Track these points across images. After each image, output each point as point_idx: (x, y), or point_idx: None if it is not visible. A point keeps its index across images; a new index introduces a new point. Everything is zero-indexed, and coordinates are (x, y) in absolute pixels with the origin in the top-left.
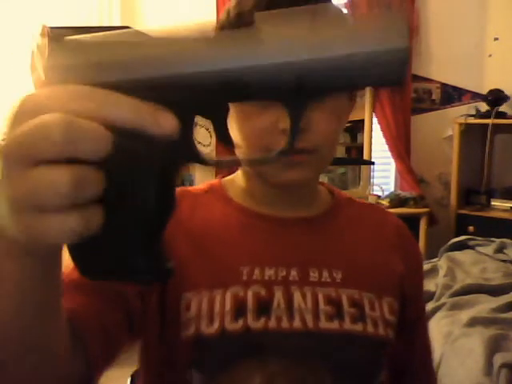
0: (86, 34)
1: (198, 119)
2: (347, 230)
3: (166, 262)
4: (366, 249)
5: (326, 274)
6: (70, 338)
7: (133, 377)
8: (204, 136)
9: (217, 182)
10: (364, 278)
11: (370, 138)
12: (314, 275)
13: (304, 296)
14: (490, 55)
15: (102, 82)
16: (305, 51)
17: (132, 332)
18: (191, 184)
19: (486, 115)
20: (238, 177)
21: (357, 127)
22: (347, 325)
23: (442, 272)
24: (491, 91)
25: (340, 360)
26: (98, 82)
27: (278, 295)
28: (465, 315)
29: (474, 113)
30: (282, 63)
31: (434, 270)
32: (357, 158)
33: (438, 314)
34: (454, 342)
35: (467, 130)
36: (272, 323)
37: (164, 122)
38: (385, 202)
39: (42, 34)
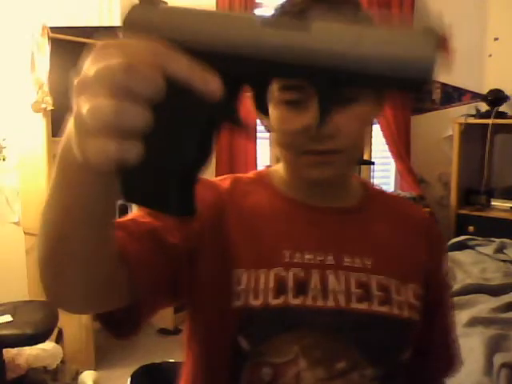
0: (86, 33)
1: None
2: (378, 221)
3: (194, 204)
4: (394, 239)
5: (358, 260)
6: (119, 263)
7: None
8: None
9: (264, 171)
10: (391, 266)
11: (370, 138)
12: (347, 261)
13: (338, 279)
14: (490, 55)
15: (171, 39)
16: (346, 44)
17: (176, 294)
18: None
19: (486, 115)
20: (280, 168)
21: None
22: (375, 306)
23: None
24: (491, 91)
25: (367, 337)
26: (167, 38)
27: (315, 277)
28: (465, 315)
29: (474, 113)
30: (325, 49)
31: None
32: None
33: None
34: None
35: (467, 130)
36: (309, 301)
37: (211, 83)
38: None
39: (42, 34)
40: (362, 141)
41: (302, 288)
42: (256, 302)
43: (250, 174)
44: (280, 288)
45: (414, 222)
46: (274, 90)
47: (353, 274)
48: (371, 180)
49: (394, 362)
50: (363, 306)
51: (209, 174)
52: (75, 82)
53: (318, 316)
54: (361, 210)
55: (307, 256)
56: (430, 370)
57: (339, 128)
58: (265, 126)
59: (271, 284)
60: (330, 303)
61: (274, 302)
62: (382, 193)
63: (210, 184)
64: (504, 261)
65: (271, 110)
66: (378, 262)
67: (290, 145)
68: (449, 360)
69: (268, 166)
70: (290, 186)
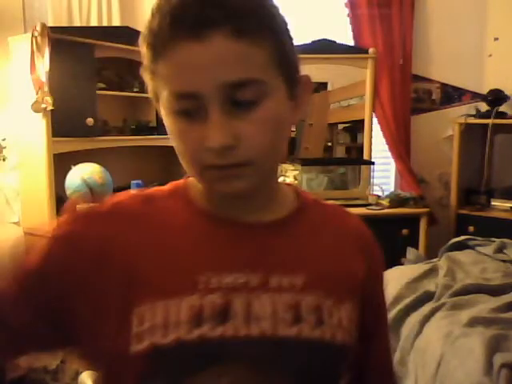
0: (86, 33)
1: None
2: (310, 234)
3: None
4: (328, 253)
5: (286, 279)
6: None
7: None
8: None
9: (182, 182)
10: (324, 284)
11: (370, 137)
12: (273, 281)
13: (263, 303)
14: (490, 55)
15: None
16: None
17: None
18: None
19: (486, 115)
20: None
21: (357, 127)
22: (305, 331)
23: (442, 272)
24: (491, 91)
25: (299, 366)
26: None
27: (236, 302)
28: (465, 315)
29: (474, 113)
30: None
31: (433, 270)
32: (357, 158)
33: (438, 314)
34: (454, 342)
35: (467, 130)
36: (229, 331)
37: None
38: (385, 202)
39: (42, 34)
40: (273, 147)
41: (221, 317)
42: (165, 340)
43: (167, 187)
44: (194, 320)
45: (349, 233)
46: (167, 97)
47: (280, 295)
48: (371, 180)
49: None
50: (293, 331)
51: None
52: None
53: (243, 347)
54: (291, 222)
55: (226, 279)
56: None
57: (240, 138)
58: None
59: (183, 316)
60: (255, 331)
61: (187, 336)
62: (316, 202)
63: (84, 222)
64: (504, 261)
65: (166, 120)
66: (310, 280)
67: (189, 159)
68: (390, 381)
69: (187, 176)
70: (208, 198)
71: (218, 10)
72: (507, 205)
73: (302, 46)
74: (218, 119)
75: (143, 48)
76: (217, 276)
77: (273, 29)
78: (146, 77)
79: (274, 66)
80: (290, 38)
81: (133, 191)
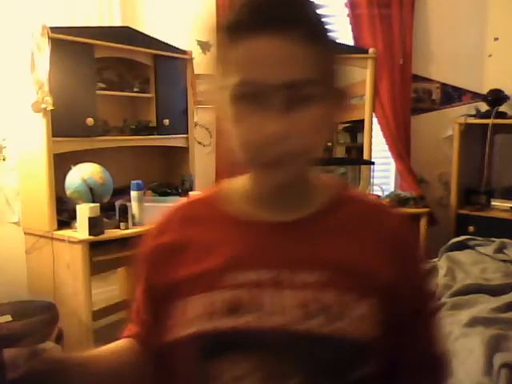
0: (86, 33)
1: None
2: (336, 231)
3: None
4: (353, 250)
5: (305, 276)
6: None
7: None
8: (204, 136)
9: (214, 188)
10: (344, 281)
11: (370, 137)
12: (295, 277)
13: (283, 298)
14: (490, 55)
15: None
16: None
17: None
18: (191, 184)
19: (486, 115)
20: (240, 179)
21: (357, 127)
22: (322, 326)
23: (442, 272)
24: (491, 91)
25: (311, 357)
26: None
27: (260, 297)
28: (465, 315)
29: (474, 113)
30: None
31: (433, 270)
32: (357, 158)
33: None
34: (454, 342)
35: (467, 130)
36: (253, 322)
37: None
38: (385, 202)
39: (42, 34)
40: (318, 144)
41: (235, 310)
42: (185, 332)
43: (200, 194)
44: (210, 313)
45: (383, 234)
46: (235, 83)
47: (300, 290)
48: (371, 180)
49: (346, 381)
50: (309, 326)
51: (209, 173)
52: None
53: (263, 336)
54: (317, 220)
55: (252, 275)
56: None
57: (292, 130)
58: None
59: (200, 310)
60: (275, 322)
61: (203, 328)
62: (354, 198)
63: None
64: (504, 261)
65: (229, 105)
66: (330, 276)
67: (245, 143)
68: (434, 371)
69: (229, 179)
70: (245, 199)
71: (297, 13)
72: (507, 205)
73: None
74: (277, 110)
75: (216, 36)
76: (242, 273)
77: (332, 42)
78: (214, 65)
79: (328, 73)
80: (338, 54)
81: (180, 200)
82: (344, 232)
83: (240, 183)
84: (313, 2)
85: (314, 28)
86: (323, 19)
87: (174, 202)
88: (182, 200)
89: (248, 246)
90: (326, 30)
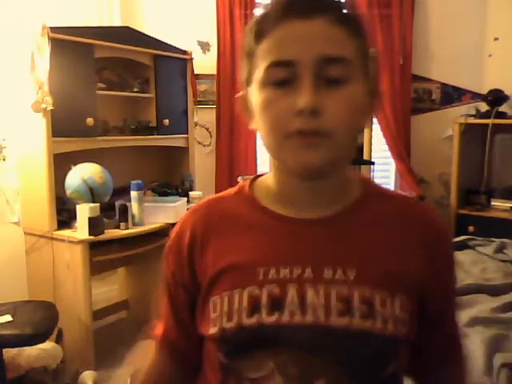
0: (86, 33)
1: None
2: (367, 228)
3: None
4: (384, 247)
5: (339, 272)
6: None
7: (133, 376)
8: (204, 136)
9: (247, 183)
10: (377, 276)
11: (370, 137)
12: (327, 273)
13: (317, 293)
14: (490, 55)
15: None
16: None
17: None
18: (191, 184)
19: (486, 115)
20: (267, 178)
21: None
22: (356, 321)
23: None
24: (491, 91)
25: (348, 353)
26: None
27: (292, 292)
28: (465, 315)
29: (474, 113)
30: None
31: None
32: (357, 158)
33: None
34: None
35: (467, 130)
36: (284, 318)
37: None
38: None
39: (42, 34)
40: (351, 126)
41: (276, 305)
42: (229, 324)
43: (233, 189)
44: (253, 307)
45: (415, 228)
46: (264, 69)
47: (334, 286)
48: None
49: (376, 377)
50: (343, 321)
51: (209, 173)
52: None
53: (295, 333)
54: (348, 216)
55: (283, 271)
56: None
57: (325, 108)
58: (252, 126)
59: (244, 304)
60: (309, 319)
61: (247, 321)
62: (382, 194)
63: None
64: (504, 261)
65: (257, 94)
66: (363, 272)
67: (275, 126)
68: (459, 354)
69: (255, 177)
70: (275, 196)
71: (328, 1)
72: (507, 205)
73: None
74: (309, 85)
75: (248, 34)
76: (274, 268)
77: (363, 30)
78: (244, 61)
79: (360, 57)
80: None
81: (208, 197)
82: (380, 227)
83: (269, 181)
84: None
85: (346, 13)
86: (355, 8)
87: (174, 202)
88: (207, 197)
89: (288, 243)
90: (359, 18)
